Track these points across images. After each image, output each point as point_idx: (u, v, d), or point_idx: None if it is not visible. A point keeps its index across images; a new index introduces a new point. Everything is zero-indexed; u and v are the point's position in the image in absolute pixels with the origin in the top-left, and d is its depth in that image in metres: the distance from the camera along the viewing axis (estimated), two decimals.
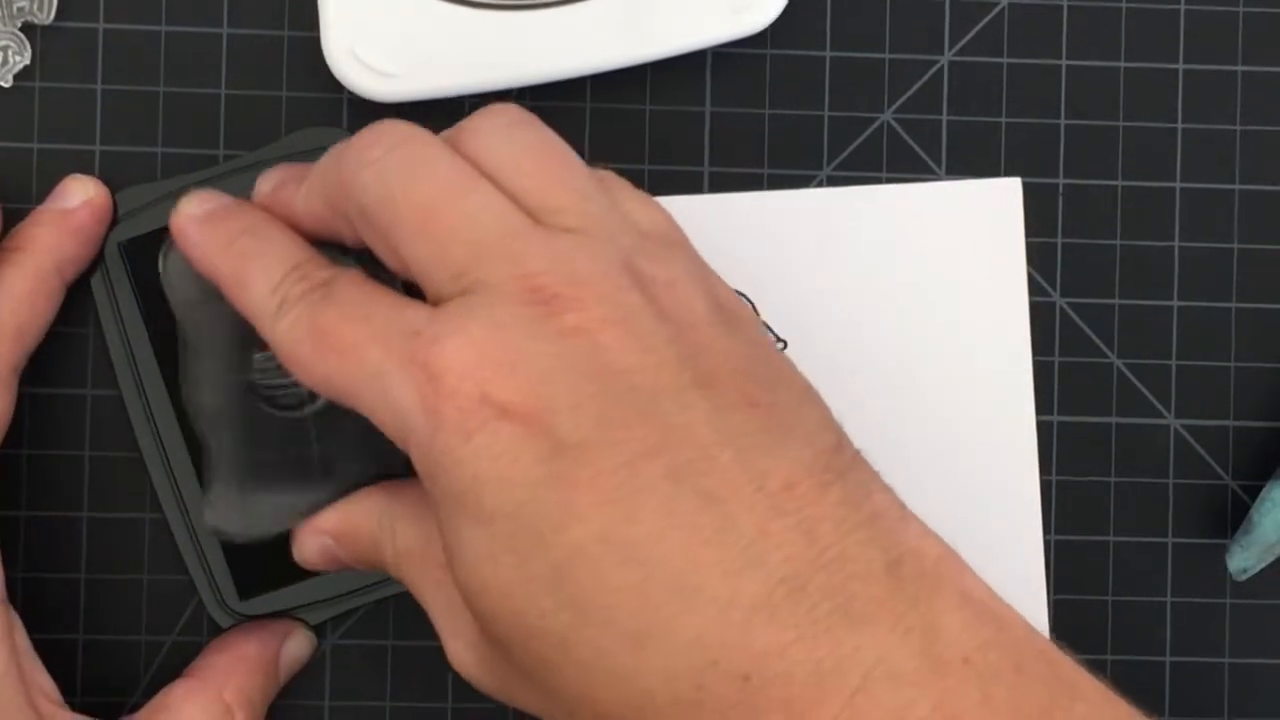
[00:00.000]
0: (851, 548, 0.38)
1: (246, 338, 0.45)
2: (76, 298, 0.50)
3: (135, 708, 0.48)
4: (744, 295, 0.51)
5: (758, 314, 0.51)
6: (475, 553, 0.39)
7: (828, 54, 0.51)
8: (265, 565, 0.49)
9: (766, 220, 0.51)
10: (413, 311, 0.40)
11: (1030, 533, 0.51)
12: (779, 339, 0.51)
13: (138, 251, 0.49)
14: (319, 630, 0.50)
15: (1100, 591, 0.52)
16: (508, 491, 0.38)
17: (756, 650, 0.37)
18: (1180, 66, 0.52)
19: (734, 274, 0.50)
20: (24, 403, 0.49)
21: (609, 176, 0.44)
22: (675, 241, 0.43)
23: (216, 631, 0.50)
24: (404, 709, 0.50)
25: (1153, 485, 0.52)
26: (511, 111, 0.43)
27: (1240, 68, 0.52)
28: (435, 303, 0.40)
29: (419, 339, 0.39)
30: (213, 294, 0.45)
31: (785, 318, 0.51)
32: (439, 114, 0.51)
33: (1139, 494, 0.52)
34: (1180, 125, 0.52)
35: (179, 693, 0.47)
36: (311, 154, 0.49)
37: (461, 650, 0.43)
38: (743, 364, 0.40)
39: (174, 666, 0.49)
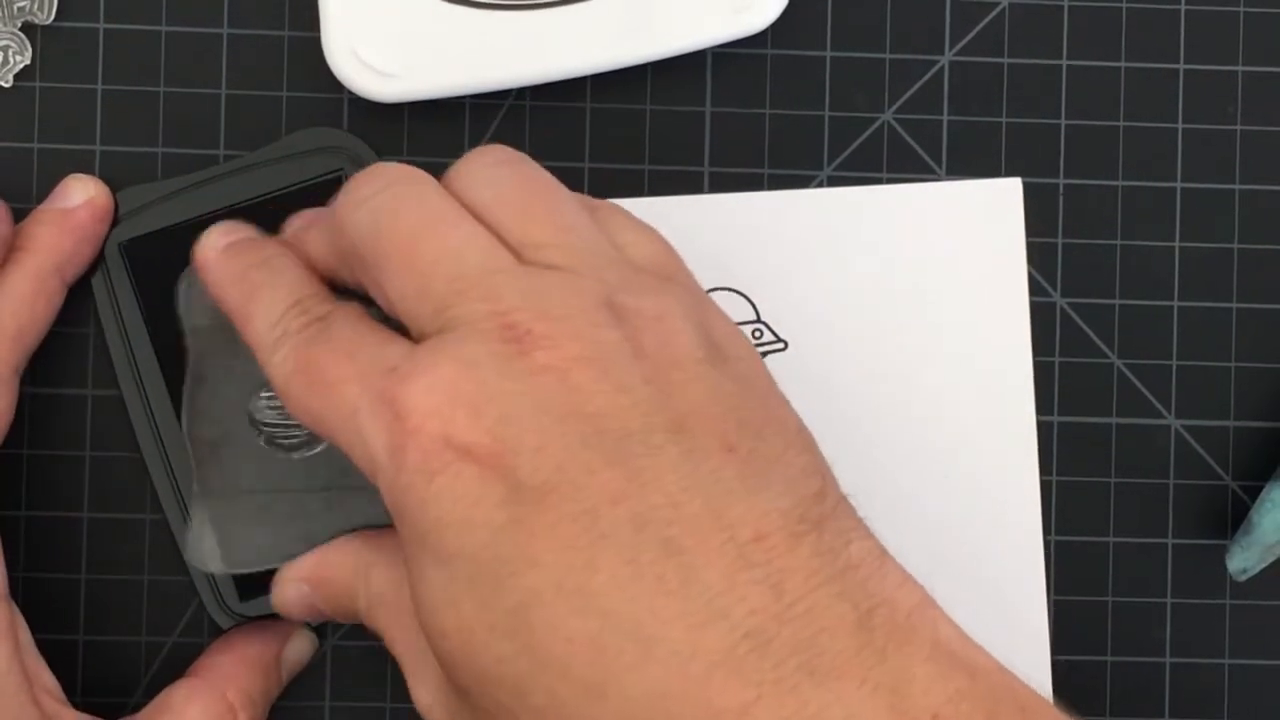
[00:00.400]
0: (821, 601, 0.37)
1: (254, 373, 0.45)
2: (76, 298, 0.50)
3: (136, 708, 0.48)
4: (744, 295, 0.51)
5: (758, 314, 0.51)
6: (437, 595, 0.38)
7: (828, 54, 0.51)
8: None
9: (766, 220, 0.51)
10: (394, 348, 0.40)
11: (1030, 533, 0.51)
12: (779, 339, 0.51)
13: (138, 251, 0.49)
14: (319, 631, 0.50)
15: (1100, 591, 0.52)
16: (469, 534, 0.38)
17: (718, 707, 0.36)
18: (1180, 66, 0.52)
19: (734, 274, 0.50)
20: (24, 403, 0.49)
21: (605, 207, 0.43)
22: (670, 274, 0.42)
23: (217, 632, 0.50)
24: (404, 710, 0.50)
25: (1153, 485, 0.52)
26: (499, 151, 0.43)
27: (1240, 68, 0.52)
28: (418, 339, 0.40)
29: (392, 376, 0.39)
30: (226, 325, 0.45)
31: (785, 318, 0.51)
32: (439, 114, 0.51)
33: (1139, 494, 0.52)
34: (1180, 125, 0.52)
35: (181, 692, 0.47)
36: (311, 154, 0.50)
37: (426, 696, 0.42)
38: (727, 405, 0.39)
39: (175, 667, 0.49)
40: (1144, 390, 0.52)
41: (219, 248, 0.45)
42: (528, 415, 0.38)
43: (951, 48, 0.52)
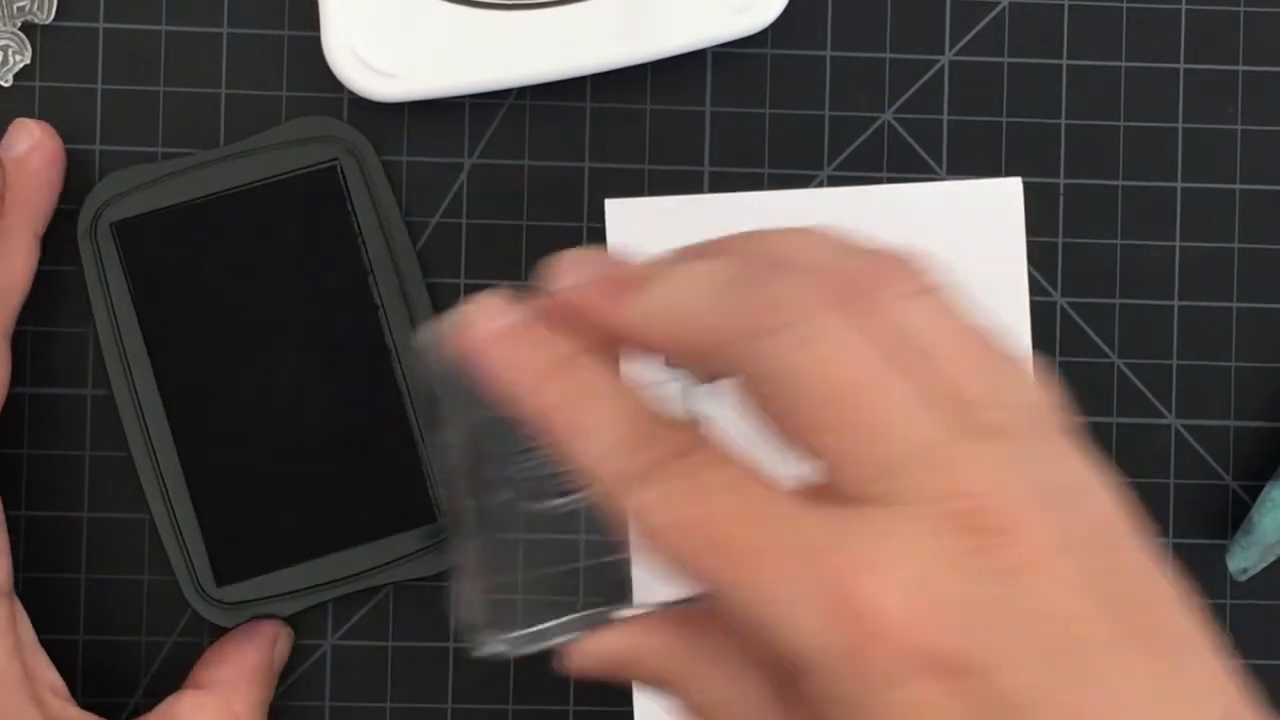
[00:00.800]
0: None
1: (514, 441, 0.42)
2: (75, 296, 0.50)
3: (136, 708, 0.48)
4: None
5: None
6: None
7: (828, 54, 0.51)
8: (242, 553, 0.49)
9: (766, 220, 0.51)
10: (816, 521, 0.36)
11: None
12: None
13: (130, 233, 0.49)
14: (320, 630, 0.50)
15: None
16: None
17: None
18: (1180, 66, 0.52)
19: None
20: (24, 402, 0.49)
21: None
22: (1058, 426, 0.38)
23: (217, 632, 0.50)
24: (404, 709, 0.50)
25: (1153, 485, 0.52)
26: (917, 274, 0.38)
27: (1240, 68, 0.52)
28: (843, 496, 0.36)
29: (834, 562, 0.35)
30: (487, 404, 0.40)
31: None
32: (439, 114, 0.51)
33: (1139, 494, 0.52)
34: (1180, 125, 0.52)
35: (189, 703, 0.47)
36: (306, 143, 0.50)
37: None
38: (1160, 598, 0.36)
39: (175, 667, 0.49)
40: (1144, 390, 0.52)
41: (496, 331, 0.39)
42: (998, 625, 0.35)
43: (951, 48, 0.52)
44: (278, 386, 0.49)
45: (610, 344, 0.39)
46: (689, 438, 0.38)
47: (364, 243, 0.50)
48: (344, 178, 0.50)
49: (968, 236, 0.51)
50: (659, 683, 0.41)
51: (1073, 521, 0.35)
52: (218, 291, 0.49)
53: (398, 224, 0.50)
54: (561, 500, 0.43)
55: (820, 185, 0.51)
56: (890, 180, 0.51)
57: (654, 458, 0.37)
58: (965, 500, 0.35)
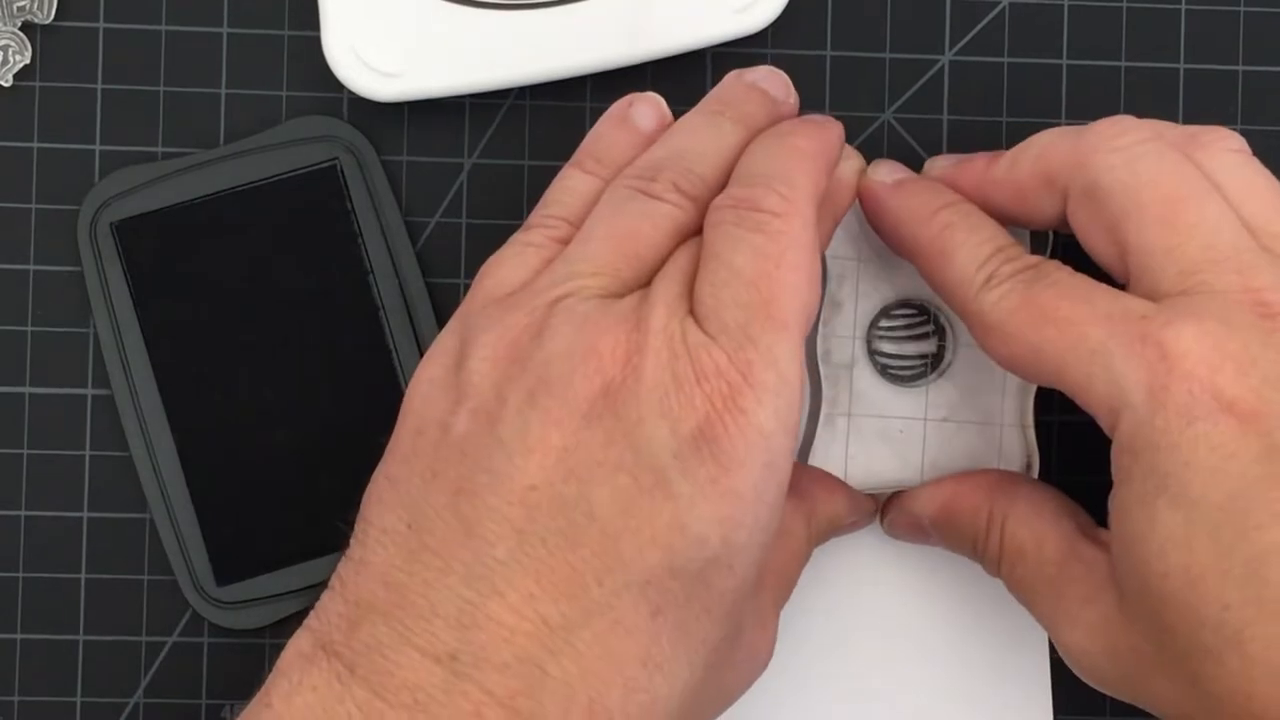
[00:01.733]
0: None
1: (874, 305, 0.49)
2: (75, 296, 0.50)
3: (136, 708, 0.48)
4: None
5: None
6: (1170, 535, 0.41)
7: (828, 54, 0.51)
8: (243, 553, 0.49)
9: None
10: (1133, 300, 0.42)
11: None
12: None
13: (130, 232, 0.49)
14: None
15: None
16: (1219, 482, 0.40)
17: None
18: (1180, 66, 0.52)
19: None
20: (24, 402, 0.49)
21: None
22: None
23: (218, 634, 0.50)
24: None
25: None
26: (1239, 139, 0.45)
27: (1240, 68, 0.52)
28: (1151, 294, 0.42)
29: (1149, 323, 0.41)
30: (867, 256, 0.49)
31: None
32: (439, 114, 0.51)
33: None
34: None
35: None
36: (306, 142, 0.50)
37: (1083, 639, 0.44)
38: None
39: (175, 667, 0.49)
40: None
41: (888, 184, 0.47)
42: None
43: (951, 48, 0.52)
44: (278, 386, 0.50)
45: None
46: (1038, 258, 0.44)
47: (364, 243, 0.50)
48: (344, 177, 0.50)
49: None
50: (972, 529, 0.47)
51: None
52: (217, 291, 0.49)
53: (398, 224, 0.50)
54: (910, 375, 0.49)
55: None
56: None
57: (1006, 269, 0.44)
58: (1258, 293, 0.41)
